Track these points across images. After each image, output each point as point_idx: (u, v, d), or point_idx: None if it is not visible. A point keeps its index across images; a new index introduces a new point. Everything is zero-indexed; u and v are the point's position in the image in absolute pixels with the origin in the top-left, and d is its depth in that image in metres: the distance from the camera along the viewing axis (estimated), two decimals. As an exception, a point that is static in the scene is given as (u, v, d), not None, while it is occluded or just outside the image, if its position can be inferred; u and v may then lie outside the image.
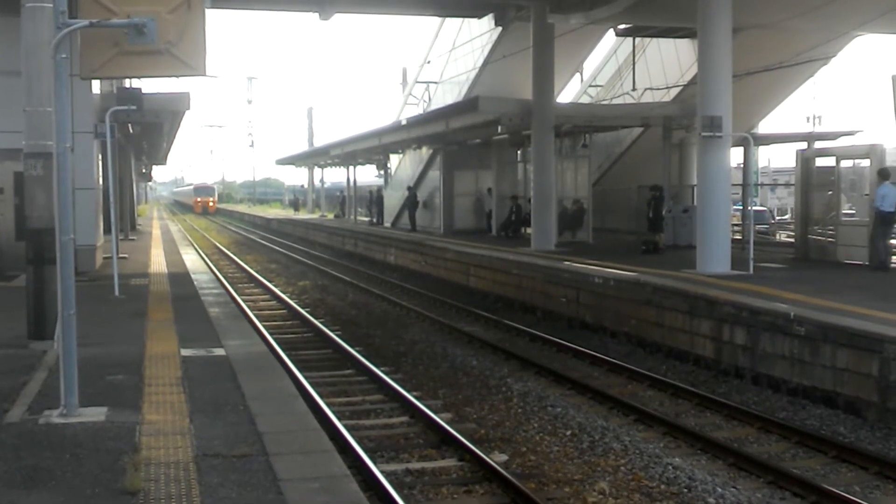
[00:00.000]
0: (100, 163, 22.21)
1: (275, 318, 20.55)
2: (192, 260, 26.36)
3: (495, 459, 9.65)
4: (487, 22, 29.11)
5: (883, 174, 18.28)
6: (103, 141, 17.69)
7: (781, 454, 10.22)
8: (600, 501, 8.66)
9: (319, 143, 66.56)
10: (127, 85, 23.94)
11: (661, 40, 29.02)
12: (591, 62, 36.06)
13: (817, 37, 24.07)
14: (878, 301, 13.38)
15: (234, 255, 38.00)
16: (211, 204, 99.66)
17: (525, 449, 10.32)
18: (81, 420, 7.83)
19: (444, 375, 14.27)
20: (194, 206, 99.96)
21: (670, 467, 9.46)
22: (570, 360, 15.49)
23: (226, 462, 6.72)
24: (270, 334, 17.05)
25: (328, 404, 11.60)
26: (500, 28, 28.73)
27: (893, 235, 19.00)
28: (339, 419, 10.82)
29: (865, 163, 20.12)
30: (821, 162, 20.52)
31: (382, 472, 8.95)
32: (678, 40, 28.11)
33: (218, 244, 45.40)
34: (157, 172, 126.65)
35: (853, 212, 23.37)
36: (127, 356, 10.68)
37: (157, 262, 24.39)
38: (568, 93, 36.62)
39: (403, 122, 34.90)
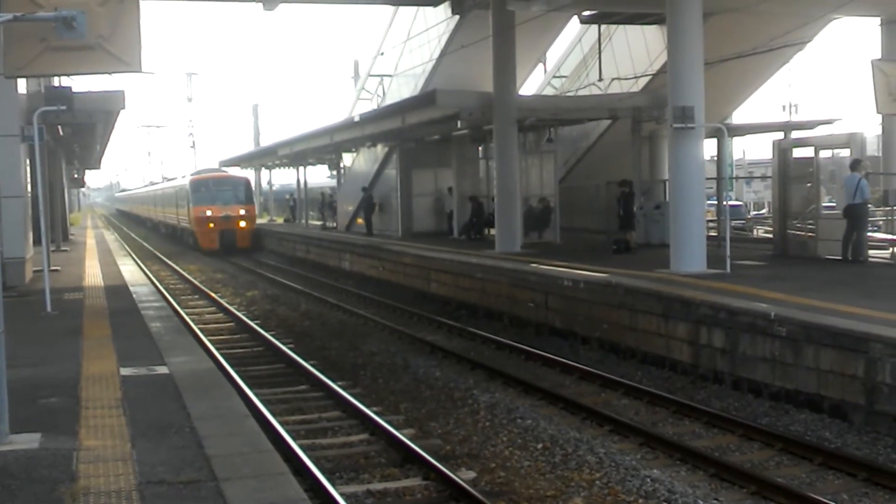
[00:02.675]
0: (28, 168, 21.88)
1: (222, 331, 20.39)
2: (130, 271, 26.08)
3: (462, 477, 9.64)
4: (444, 10, 29.14)
5: (857, 165, 18.59)
6: (31, 145, 17.43)
7: (765, 462, 10.32)
8: (575, 519, 8.69)
9: (266, 142, 66.16)
10: (56, 83, 23.62)
11: (628, 27, 29.23)
12: (555, 52, 36.27)
13: (792, 21, 24.37)
14: (863, 298, 13.57)
15: (176, 264, 37.69)
16: (243, 224, 45.26)
17: (494, 465, 10.32)
18: (12, 448, 7.69)
19: (406, 388, 14.24)
20: (195, 228, 45.72)
21: (648, 480, 9.51)
22: (539, 368, 15.53)
23: (171, 489, 6.63)
24: (217, 349, 16.91)
25: (282, 423, 11.51)
26: (457, 17, 28.76)
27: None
28: (294, 439, 10.75)
29: (845, 152, 20.42)
30: (798, 152, 20.76)
31: (342, 494, 8.90)
32: (646, 27, 28.33)
33: (158, 253, 45.03)
34: (91, 177, 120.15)
35: (833, 204, 23.72)
36: (61, 377, 10.53)
37: (93, 274, 24.10)
38: (531, 85, 36.79)
39: (356, 119, 34.82)
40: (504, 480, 9.79)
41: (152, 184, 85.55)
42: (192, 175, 50.51)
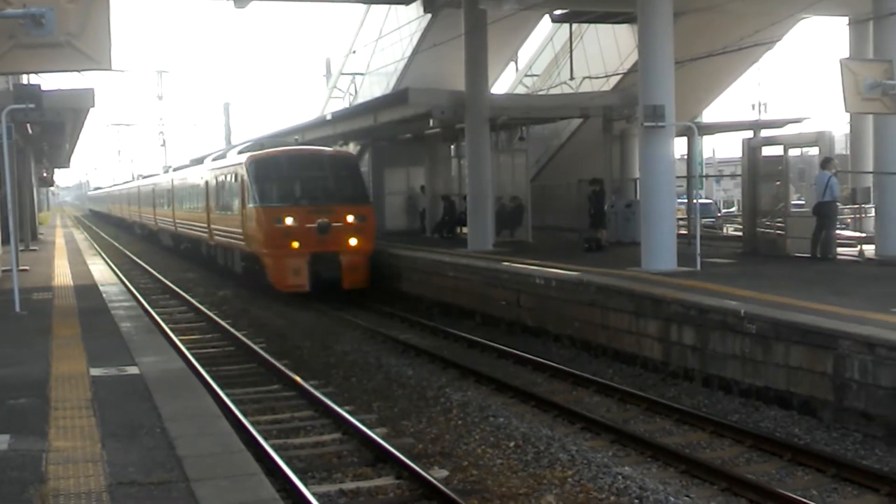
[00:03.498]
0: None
1: (193, 331, 20.27)
2: (100, 271, 25.86)
3: (435, 475, 9.64)
4: (416, 9, 29.13)
5: (827, 164, 18.77)
6: (-2, 143, 17.16)
7: (735, 459, 10.39)
8: (548, 516, 8.71)
9: (237, 140, 65.83)
10: (24, 81, 23.39)
11: (599, 26, 29.35)
12: (527, 50, 36.36)
13: (761, 20, 24.55)
14: (832, 295, 13.70)
15: (147, 264, 37.41)
16: (354, 242, 24.20)
17: (466, 463, 10.33)
18: (-20, 450, 7.60)
19: (378, 387, 14.22)
20: (262, 249, 24.43)
21: (620, 477, 9.55)
22: (511, 366, 15.56)
23: (142, 490, 6.58)
24: (188, 349, 16.81)
25: (253, 423, 11.47)
26: (429, 15, 28.76)
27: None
28: (266, 439, 10.71)
29: (814, 151, 20.60)
30: (768, 151, 20.93)
31: (314, 494, 8.88)
32: (617, 26, 28.45)
33: (128, 252, 44.66)
34: (60, 176, 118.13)
35: (802, 202, 23.91)
36: (30, 377, 10.42)
37: (62, 273, 23.88)
38: (503, 83, 36.87)
39: (328, 117, 34.75)
40: (476, 479, 9.80)
41: (143, 177, 60.93)
42: (243, 149, 28.99)
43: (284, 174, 25.14)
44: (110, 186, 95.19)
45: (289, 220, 23.83)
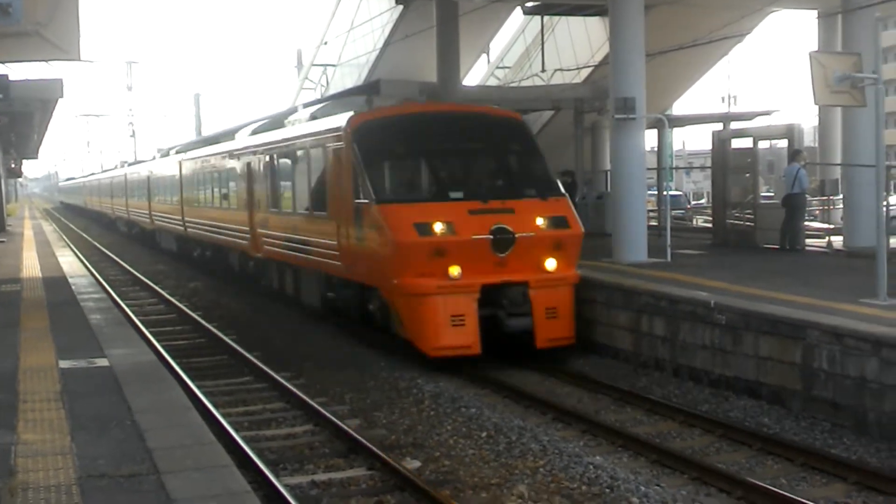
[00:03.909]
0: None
1: (163, 323, 20.14)
2: (69, 262, 25.65)
3: (407, 466, 9.64)
4: (387, 0, 29.03)
5: (796, 156, 18.91)
6: (-35, 133, 16.82)
7: (705, 448, 10.46)
8: (519, 506, 8.72)
9: (208, 131, 65.42)
10: (-9, 71, 23.11)
11: (571, 18, 29.37)
12: (498, 43, 36.33)
13: (731, 13, 24.70)
14: (801, 286, 13.81)
15: (116, 255, 37.11)
16: (552, 266, 14.56)
17: (439, 454, 10.33)
18: (-53, 443, 7.52)
19: (351, 379, 14.18)
20: (396, 281, 14.16)
21: (591, 467, 9.59)
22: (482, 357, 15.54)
23: (112, 483, 6.54)
24: (159, 341, 16.70)
25: (225, 415, 11.42)
26: (401, 6, 28.67)
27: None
28: (237, 431, 10.66)
29: (783, 143, 20.74)
30: (737, 143, 21.06)
31: (286, 485, 8.86)
32: (588, 18, 28.49)
33: (97, 244, 44.28)
34: (29, 168, 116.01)
35: (771, 194, 24.08)
36: (-2, 370, 10.32)
37: (31, 265, 23.65)
38: (474, 75, 36.81)
39: (300, 108, 34.54)
40: (449, 469, 9.81)
41: (129, 164, 51.66)
42: (321, 111, 20.25)
43: (424, 149, 15.77)
44: (87, 175, 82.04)
45: (440, 228, 14.11)
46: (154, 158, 40.67)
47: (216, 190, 26.01)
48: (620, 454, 10.22)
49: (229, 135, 26.39)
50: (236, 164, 23.38)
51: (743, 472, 9.46)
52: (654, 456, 9.99)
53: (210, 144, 28.54)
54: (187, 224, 30.16)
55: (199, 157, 28.49)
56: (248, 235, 22.35)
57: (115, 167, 59.10)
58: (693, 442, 10.72)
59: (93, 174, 76.38)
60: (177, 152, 34.24)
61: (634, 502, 8.67)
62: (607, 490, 8.99)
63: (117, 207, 50.25)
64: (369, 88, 27.53)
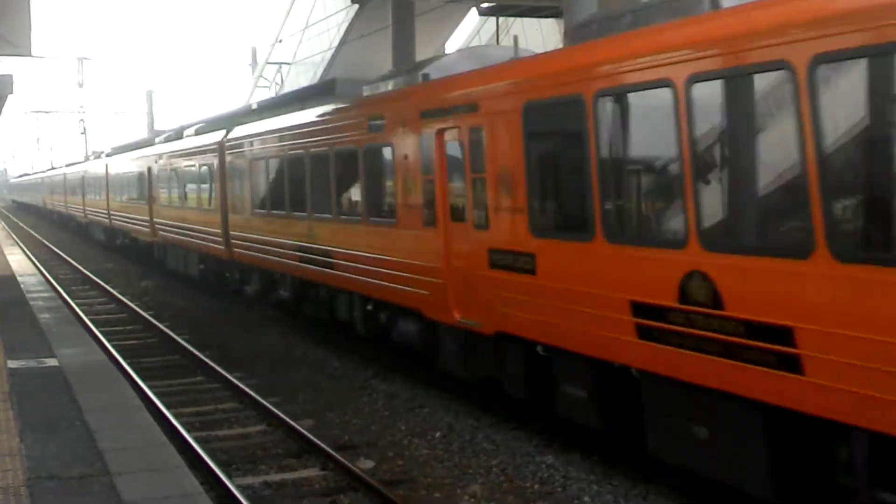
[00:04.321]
0: None
1: (114, 322, 19.92)
2: (18, 261, 25.31)
3: (361, 466, 9.65)
4: (343, -1, 29.02)
5: None
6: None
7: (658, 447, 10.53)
8: (472, 506, 8.77)
9: (161, 128, 64.78)
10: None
11: (526, 20, 29.54)
12: (454, 43, 36.44)
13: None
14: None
15: (67, 254, 36.65)
16: None
17: (392, 454, 10.35)
18: None
19: (305, 379, 14.15)
20: None
21: (544, 466, 9.66)
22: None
23: (62, 484, 6.47)
24: (109, 341, 16.53)
25: (176, 415, 11.34)
26: (356, 6, 28.65)
27: None
28: (189, 431, 10.60)
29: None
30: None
31: (238, 486, 8.82)
32: (543, 20, 28.68)
33: (47, 243, 43.69)
34: None
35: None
36: (-56, 370, 10.16)
37: (-22, 264, 23.28)
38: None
39: (254, 107, 34.35)
40: (402, 469, 9.83)
41: (107, 154, 40.54)
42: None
43: None
44: (47, 171, 71.44)
45: None
46: (149, 145, 31.40)
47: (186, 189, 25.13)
48: (573, 453, 10.29)
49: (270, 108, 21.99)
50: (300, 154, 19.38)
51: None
52: (607, 454, 10.06)
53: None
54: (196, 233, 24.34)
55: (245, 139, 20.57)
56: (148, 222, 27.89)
57: (87, 159, 48.91)
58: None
59: (55, 169, 63.99)
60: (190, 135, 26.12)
61: (586, 501, 8.75)
62: (560, 489, 9.06)
63: (94, 209, 40.08)
64: (324, 88, 27.50)
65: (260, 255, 18.19)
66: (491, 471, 9.66)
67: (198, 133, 24.36)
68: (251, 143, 19.05)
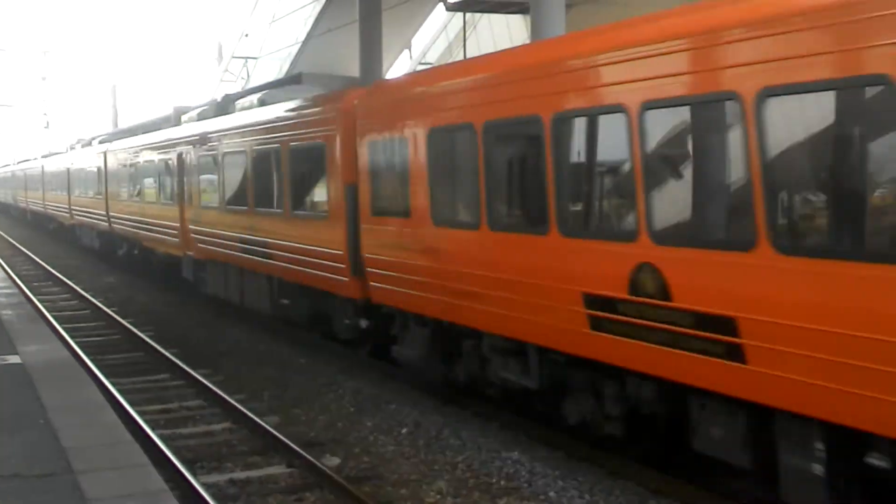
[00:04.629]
0: None
1: (77, 319, 19.76)
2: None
3: (327, 463, 9.65)
4: (310, -8, 28.91)
5: None
6: None
7: (623, 442, 10.61)
8: (438, 502, 8.80)
9: (125, 123, 64.20)
10: None
11: (493, 16, 29.57)
12: (421, 38, 36.43)
13: (654, 11, 25.11)
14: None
15: (29, 250, 36.27)
16: None
17: (359, 450, 10.36)
18: None
19: (270, 376, 14.12)
20: None
21: (510, 461, 9.71)
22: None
23: (25, 483, 6.44)
24: (73, 338, 16.40)
25: (140, 413, 11.28)
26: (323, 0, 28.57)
27: None
28: (154, 429, 10.56)
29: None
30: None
31: (203, 484, 8.80)
32: (510, 16, 28.72)
33: (9, 238, 43.22)
34: None
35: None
36: None
37: (-62, 259, 23.00)
38: (397, 71, 36.84)
39: (219, 101, 34.15)
40: (369, 465, 9.85)
41: (113, 136, 33.42)
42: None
43: None
44: (22, 162, 60.16)
45: None
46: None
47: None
48: (539, 449, 10.35)
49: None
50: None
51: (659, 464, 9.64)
52: (572, 450, 10.13)
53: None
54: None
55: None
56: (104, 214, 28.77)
57: (76, 145, 40.21)
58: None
59: (31, 160, 53.89)
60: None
61: (552, 497, 8.81)
62: (525, 485, 9.12)
63: (90, 211, 32.46)
64: (291, 82, 27.38)
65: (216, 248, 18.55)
66: (457, 467, 9.70)
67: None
68: (196, 141, 19.62)
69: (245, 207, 16.95)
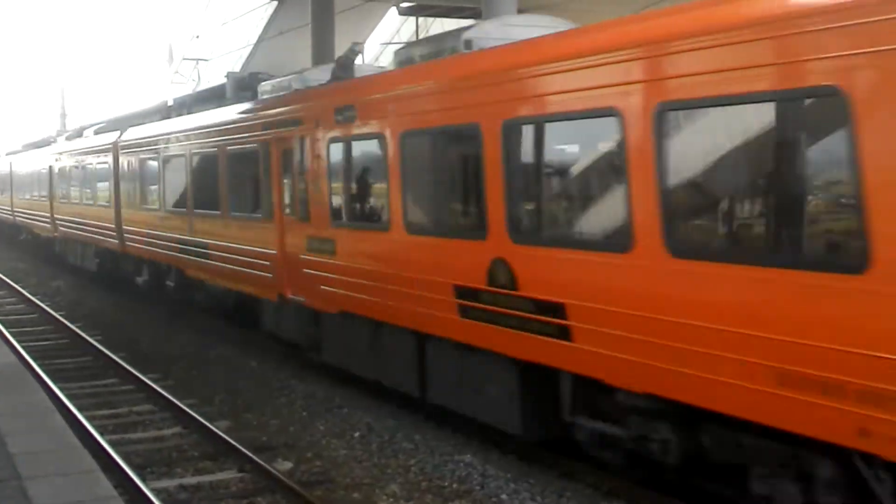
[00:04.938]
0: None
1: (24, 323, 19.48)
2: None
3: (279, 468, 9.62)
4: (262, -6, 28.80)
5: None
6: None
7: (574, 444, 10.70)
8: (391, 505, 8.82)
9: (74, 125, 63.27)
10: None
11: (445, 20, 29.67)
12: (373, 42, 36.41)
13: (608, 19, 25.32)
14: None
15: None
16: None
17: (311, 454, 10.34)
18: None
19: (221, 380, 14.03)
20: None
21: (462, 464, 9.75)
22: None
23: (-30, 490, 6.34)
24: (20, 342, 16.18)
25: (89, 418, 11.17)
26: (276, 2, 28.46)
27: None
28: (103, 434, 10.46)
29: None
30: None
31: (153, 489, 8.75)
32: (462, 20, 28.82)
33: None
34: None
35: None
36: None
37: None
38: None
39: (170, 103, 33.87)
40: (321, 469, 9.83)
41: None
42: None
43: None
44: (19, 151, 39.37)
45: None
46: None
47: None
48: (491, 451, 10.40)
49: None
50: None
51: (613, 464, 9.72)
52: (523, 452, 10.19)
53: None
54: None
55: None
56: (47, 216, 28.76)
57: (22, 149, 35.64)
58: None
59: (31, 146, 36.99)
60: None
61: (504, 499, 8.86)
62: (478, 487, 9.16)
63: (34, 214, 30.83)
64: (245, 84, 27.22)
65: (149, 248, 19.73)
66: (410, 470, 9.72)
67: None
68: (140, 145, 20.42)
69: (183, 210, 17.62)
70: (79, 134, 27.92)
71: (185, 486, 9.27)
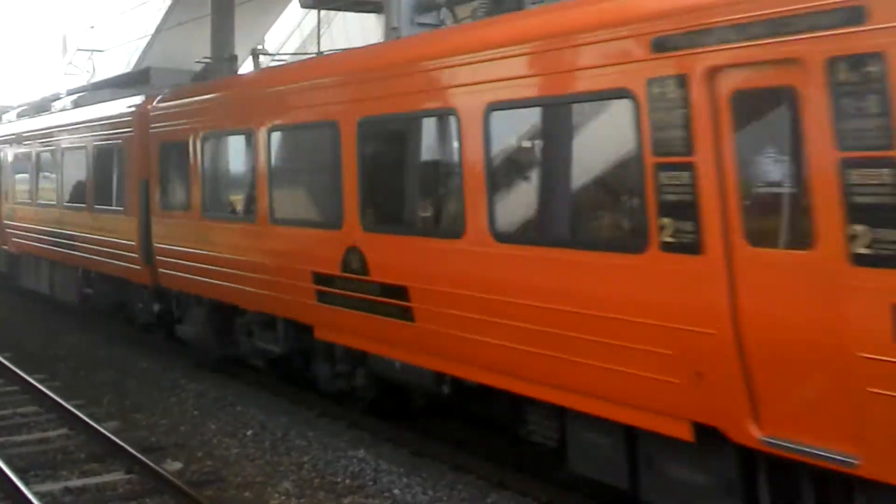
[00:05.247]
0: None
1: None
2: None
3: (168, 468, 9.48)
4: (160, -15, 28.25)
5: None
6: None
7: (466, 438, 10.76)
8: (283, 503, 8.76)
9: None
10: None
11: (348, 14, 29.51)
12: (274, 35, 36.02)
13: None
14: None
15: None
16: None
17: (202, 454, 10.21)
18: None
19: (110, 380, 13.74)
20: None
21: (355, 460, 9.75)
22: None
23: None
24: None
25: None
26: (174, -8, 27.95)
27: None
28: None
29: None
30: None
31: (36, 493, 8.57)
32: (364, 15, 28.71)
33: None
34: None
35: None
36: None
37: None
38: (249, 67, 36.35)
39: (62, 96, 32.99)
40: (212, 469, 9.72)
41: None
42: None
43: None
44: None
45: None
46: None
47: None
48: (383, 447, 10.41)
49: None
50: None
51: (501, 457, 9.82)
52: (416, 447, 10.22)
53: None
54: None
55: None
56: None
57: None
58: (455, 433, 11.00)
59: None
60: None
61: (396, 493, 8.88)
62: (370, 483, 9.16)
63: None
64: (139, 76, 26.67)
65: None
66: (303, 467, 9.68)
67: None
68: (14, 139, 20.97)
69: (54, 203, 18.15)
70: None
71: (71, 488, 9.07)
